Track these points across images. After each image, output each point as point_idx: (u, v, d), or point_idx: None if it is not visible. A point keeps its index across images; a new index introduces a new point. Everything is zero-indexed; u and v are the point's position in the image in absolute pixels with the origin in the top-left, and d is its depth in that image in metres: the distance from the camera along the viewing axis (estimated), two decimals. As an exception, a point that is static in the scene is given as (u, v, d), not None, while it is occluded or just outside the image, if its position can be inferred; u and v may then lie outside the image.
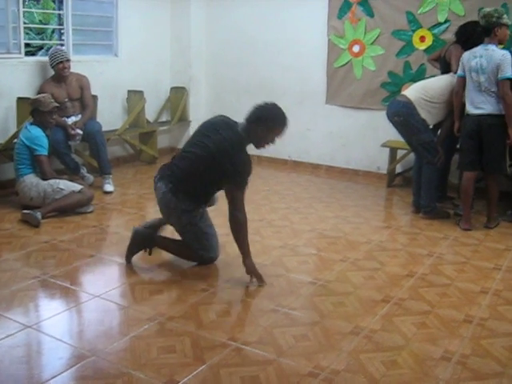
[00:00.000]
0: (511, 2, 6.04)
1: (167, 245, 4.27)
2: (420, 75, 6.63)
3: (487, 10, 5.04)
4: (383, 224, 5.49)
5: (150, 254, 4.25)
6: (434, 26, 6.62)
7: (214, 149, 3.89)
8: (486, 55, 5.00)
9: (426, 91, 5.47)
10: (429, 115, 5.46)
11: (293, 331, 3.30)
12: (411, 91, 5.57)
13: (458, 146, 5.90)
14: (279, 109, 3.98)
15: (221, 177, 3.91)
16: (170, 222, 4.21)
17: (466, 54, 5.19)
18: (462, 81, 5.22)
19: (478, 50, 5.09)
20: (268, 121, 3.91)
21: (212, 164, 3.89)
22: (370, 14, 6.96)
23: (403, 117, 5.49)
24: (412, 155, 6.11)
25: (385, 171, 6.98)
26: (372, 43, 7.03)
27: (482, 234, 5.16)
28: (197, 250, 4.14)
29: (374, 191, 6.69)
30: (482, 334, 3.36)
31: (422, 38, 6.70)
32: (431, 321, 3.49)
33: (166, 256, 4.40)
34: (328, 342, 3.19)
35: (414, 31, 6.73)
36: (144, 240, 4.22)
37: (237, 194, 3.86)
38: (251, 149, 4.00)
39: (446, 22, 6.52)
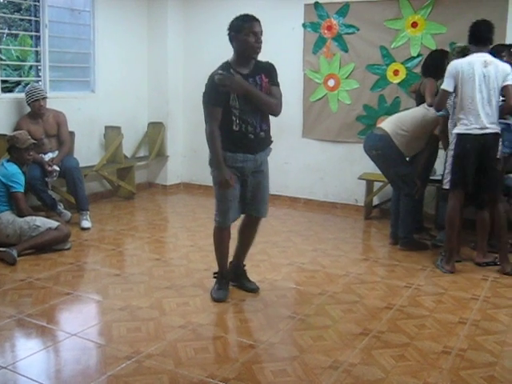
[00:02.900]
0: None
1: None
2: (395, 108, 6.74)
3: (460, 45, 5.12)
4: (361, 256, 5.51)
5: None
6: (407, 59, 6.76)
7: None
8: None
9: (402, 123, 5.54)
10: (405, 147, 5.53)
11: (272, 366, 3.28)
12: (387, 124, 5.64)
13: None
14: (236, 17, 4.08)
15: None
16: None
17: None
18: (445, 120, 5.18)
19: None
20: (232, 28, 4.06)
21: None
22: (345, 49, 7.09)
23: (381, 150, 5.56)
24: (388, 187, 6.17)
25: (362, 203, 7.03)
26: (347, 77, 7.14)
27: (459, 264, 5.18)
28: (215, 212, 4.25)
29: (352, 223, 6.73)
30: (460, 365, 3.37)
31: (396, 72, 6.82)
32: (410, 353, 3.49)
33: (143, 292, 4.38)
34: (307, 377, 3.17)
35: (387, 65, 6.86)
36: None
37: (204, 109, 4.21)
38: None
39: (418, 55, 6.66)
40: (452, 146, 4.90)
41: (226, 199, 4.14)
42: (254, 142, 4.08)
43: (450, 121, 5.13)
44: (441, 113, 5.26)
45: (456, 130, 4.87)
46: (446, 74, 4.87)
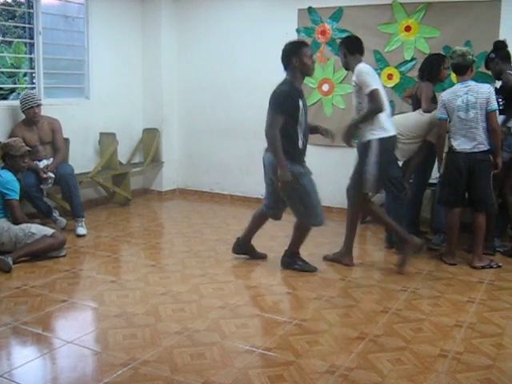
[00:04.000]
0: (474, 40, 6.21)
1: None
2: (389, 112, 6.73)
3: (462, 48, 5.14)
4: (357, 260, 5.50)
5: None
6: (401, 63, 6.78)
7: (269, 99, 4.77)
8: (471, 91, 5.05)
9: (396, 127, 5.53)
10: (398, 151, 5.52)
11: (268, 372, 3.27)
12: None
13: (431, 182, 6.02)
14: (291, 42, 4.90)
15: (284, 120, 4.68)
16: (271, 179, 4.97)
17: (447, 95, 5.18)
18: (445, 123, 5.21)
19: (459, 89, 5.12)
20: (290, 53, 4.78)
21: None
22: (338, 54, 7.08)
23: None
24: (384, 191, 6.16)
25: (358, 207, 7.01)
26: (341, 82, 7.16)
27: (455, 267, 5.20)
28: (303, 218, 5.00)
29: (348, 227, 6.71)
30: (457, 368, 3.37)
31: (390, 76, 6.84)
32: (407, 357, 3.49)
33: (139, 299, 4.37)
34: (304, 382, 3.17)
35: (381, 69, 6.87)
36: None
37: (270, 114, 4.66)
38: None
39: (412, 59, 6.69)
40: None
41: (317, 203, 4.91)
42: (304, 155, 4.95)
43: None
44: (442, 116, 5.22)
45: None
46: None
